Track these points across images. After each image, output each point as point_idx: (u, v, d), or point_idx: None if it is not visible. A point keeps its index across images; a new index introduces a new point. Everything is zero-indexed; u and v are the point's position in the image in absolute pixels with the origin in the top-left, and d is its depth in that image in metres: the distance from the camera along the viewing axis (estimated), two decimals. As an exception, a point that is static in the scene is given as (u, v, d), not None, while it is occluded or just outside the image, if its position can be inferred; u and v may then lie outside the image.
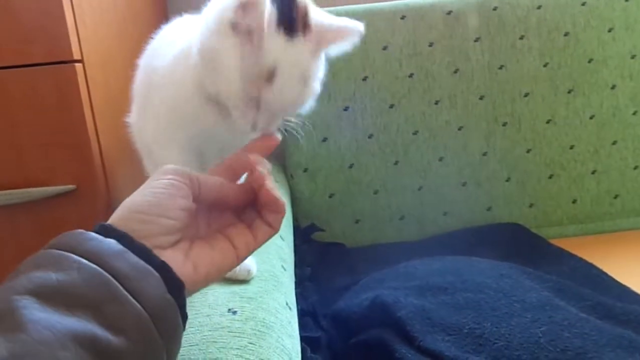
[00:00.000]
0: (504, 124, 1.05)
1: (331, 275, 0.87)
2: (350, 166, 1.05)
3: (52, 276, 0.31)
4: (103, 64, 0.75)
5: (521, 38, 1.04)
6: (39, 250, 0.34)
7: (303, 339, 0.58)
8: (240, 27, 0.43)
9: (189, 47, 0.48)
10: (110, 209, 0.70)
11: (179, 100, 0.50)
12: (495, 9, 1.03)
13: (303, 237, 0.92)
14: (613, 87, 1.05)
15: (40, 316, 0.29)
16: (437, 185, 1.06)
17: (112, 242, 0.34)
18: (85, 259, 0.32)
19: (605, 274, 0.78)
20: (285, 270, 0.63)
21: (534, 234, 1.00)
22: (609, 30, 1.04)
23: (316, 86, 0.48)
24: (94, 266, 0.32)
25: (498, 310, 0.57)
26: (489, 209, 1.07)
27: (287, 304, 0.54)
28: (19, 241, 0.70)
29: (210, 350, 0.41)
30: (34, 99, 0.68)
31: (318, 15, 0.46)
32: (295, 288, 0.71)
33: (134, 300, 0.32)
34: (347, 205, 1.05)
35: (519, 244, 0.94)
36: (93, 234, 0.34)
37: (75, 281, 0.31)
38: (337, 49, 0.48)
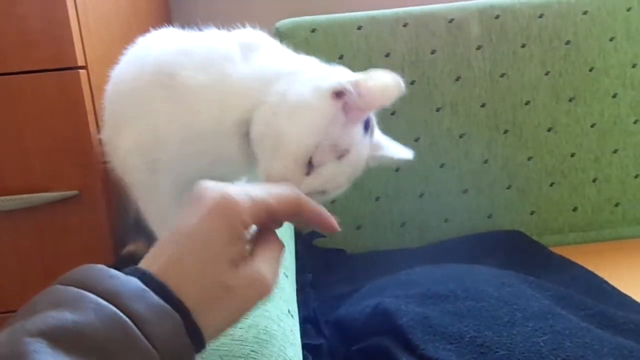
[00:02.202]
0: (505, 132, 1.05)
1: (332, 282, 0.87)
2: (352, 172, 1.05)
3: (67, 317, 0.29)
4: (107, 70, 0.75)
5: (523, 46, 1.04)
6: (56, 282, 0.32)
7: (305, 346, 0.58)
8: (345, 99, 0.45)
9: (229, 81, 0.48)
10: (113, 214, 0.71)
11: (198, 133, 0.48)
12: (497, 17, 1.04)
13: (304, 244, 0.92)
14: (614, 96, 1.06)
15: None
16: (438, 192, 1.06)
17: (132, 280, 0.32)
18: (103, 298, 0.30)
19: (606, 282, 0.78)
20: (287, 277, 0.63)
21: (535, 241, 1.01)
22: (611, 39, 1.05)
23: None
24: (112, 308, 0.30)
25: (499, 319, 0.58)
26: (489, 216, 1.07)
27: (289, 311, 0.54)
28: (21, 246, 0.70)
29: (212, 359, 0.41)
30: (38, 105, 0.68)
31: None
32: (297, 294, 0.71)
33: (150, 347, 0.30)
34: (349, 211, 1.05)
35: (520, 252, 0.94)
36: (113, 271, 0.32)
37: (91, 324, 0.29)
38: (380, 161, 0.53)
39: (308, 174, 0.45)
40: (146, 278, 0.32)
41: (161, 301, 0.32)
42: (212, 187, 0.36)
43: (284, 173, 0.44)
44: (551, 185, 1.07)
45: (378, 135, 0.53)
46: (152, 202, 0.54)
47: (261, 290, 0.36)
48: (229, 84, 0.48)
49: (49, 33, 0.66)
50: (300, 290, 0.74)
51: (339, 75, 0.48)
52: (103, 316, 0.30)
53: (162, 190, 0.52)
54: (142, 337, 0.30)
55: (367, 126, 0.49)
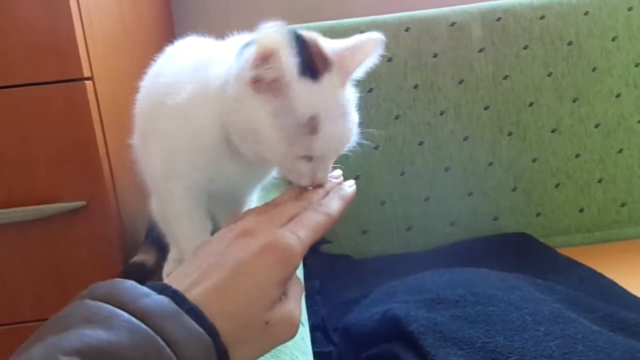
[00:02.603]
0: (509, 134, 1.05)
1: (340, 288, 0.87)
2: (357, 177, 1.05)
3: (101, 336, 0.29)
4: (112, 81, 0.76)
5: (525, 48, 1.04)
6: (84, 295, 0.32)
7: (315, 354, 0.58)
8: (263, 83, 0.41)
9: (207, 89, 0.46)
10: (121, 224, 0.71)
11: (199, 145, 0.48)
12: (498, 19, 1.04)
13: (310, 249, 0.92)
14: (618, 96, 1.06)
15: None
16: (444, 195, 1.06)
17: (165, 300, 0.32)
18: (136, 317, 0.31)
19: (615, 283, 0.78)
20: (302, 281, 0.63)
21: (542, 243, 1.00)
22: (613, 39, 1.05)
23: (355, 114, 0.46)
24: (145, 328, 0.30)
25: (510, 324, 0.57)
26: (495, 218, 1.07)
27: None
28: (31, 257, 0.71)
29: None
30: (46, 116, 0.68)
31: (332, 45, 0.44)
32: (306, 302, 0.71)
33: None
34: (354, 216, 1.05)
35: (526, 254, 0.94)
36: (145, 288, 0.33)
37: (124, 344, 0.29)
38: (365, 66, 0.46)
39: (311, 160, 0.44)
40: (178, 298, 0.33)
41: (195, 324, 0.32)
42: (263, 225, 0.38)
43: (300, 178, 0.45)
44: (556, 186, 1.07)
45: (338, 52, 0.45)
46: (169, 209, 0.55)
47: (291, 330, 0.38)
48: (202, 93, 0.48)
49: (55, 46, 0.66)
50: (308, 297, 0.75)
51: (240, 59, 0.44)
52: (136, 336, 0.30)
53: (178, 198, 0.52)
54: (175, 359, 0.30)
55: (313, 70, 0.42)
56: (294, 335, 0.39)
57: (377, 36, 0.44)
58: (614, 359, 0.52)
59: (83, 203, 0.70)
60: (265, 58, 0.40)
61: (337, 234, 1.05)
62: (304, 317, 0.59)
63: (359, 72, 0.46)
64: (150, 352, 0.30)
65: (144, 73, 0.56)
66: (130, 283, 0.33)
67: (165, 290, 0.33)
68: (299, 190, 0.46)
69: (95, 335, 0.29)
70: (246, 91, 0.42)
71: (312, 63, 0.42)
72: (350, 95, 0.46)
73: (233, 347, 0.33)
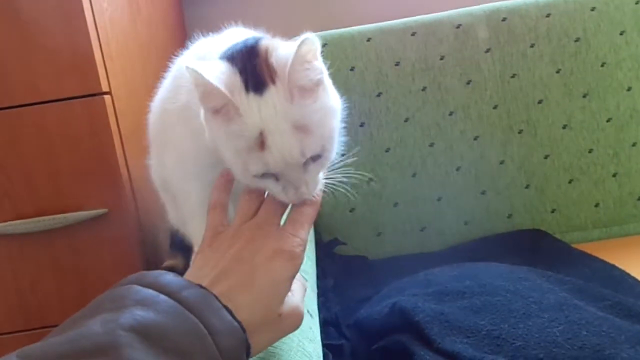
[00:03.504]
0: (520, 132, 1.06)
1: (353, 287, 0.89)
2: (369, 180, 1.07)
3: (153, 317, 0.34)
4: (129, 94, 0.80)
5: (532, 46, 1.05)
6: (130, 281, 0.37)
7: (326, 346, 0.60)
8: (218, 110, 0.42)
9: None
10: (141, 230, 0.75)
11: (202, 144, 0.49)
12: (504, 19, 1.05)
13: (325, 251, 0.94)
14: (629, 89, 1.05)
15: (141, 357, 0.31)
16: (456, 195, 1.07)
17: (204, 293, 0.37)
18: (183, 306, 0.35)
19: (628, 274, 0.78)
20: (306, 280, 0.65)
21: (556, 239, 1.00)
22: (621, 33, 1.05)
23: (328, 125, 0.44)
24: (192, 316, 0.35)
25: (515, 312, 0.58)
26: (509, 216, 1.07)
27: (308, 311, 0.57)
28: (57, 263, 0.75)
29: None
30: (68, 130, 0.73)
31: (280, 51, 0.43)
32: (318, 298, 0.73)
33: (219, 357, 0.35)
34: (368, 218, 1.07)
35: (541, 250, 0.94)
36: (187, 281, 0.37)
37: (172, 326, 0.34)
38: (312, 73, 0.43)
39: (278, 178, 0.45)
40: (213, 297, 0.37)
41: (231, 318, 0.37)
42: (275, 231, 0.43)
43: (284, 195, 0.45)
44: (570, 182, 1.07)
45: (281, 61, 0.42)
46: (187, 210, 0.58)
47: (298, 320, 0.44)
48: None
49: (76, 63, 0.71)
50: (322, 294, 0.77)
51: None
52: (183, 322, 0.34)
53: (194, 198, 0.55)
54: (215, 348, 0.34)
55: (257, 84, 0.41)
56: (299, 326, 0.44)
57: (308, 40, 0.40)
58: (619, 343, 0.53)
59: (105, 210, 0.74)
60: (206, 95, 0.42)
61: (352, 235, 1.07)
62: (314, 310, 0.61)
63: (307, 80, 0.43)
64: (194, 338, 0.34)
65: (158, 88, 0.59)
66: (173, 275, 0.38)
67: (196, 285, 0.38)
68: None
69: (147, 316, 0.33)
70: (208, 115, 0.44)
71: (259, 77, 0.42)
72: (313, 107, 0.43)
73: (251, 337, 0.38)
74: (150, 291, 0.35)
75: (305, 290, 0.48)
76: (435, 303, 0.63)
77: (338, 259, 0.97)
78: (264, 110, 0.41)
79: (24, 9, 0.68)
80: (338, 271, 0.90)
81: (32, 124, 0.72)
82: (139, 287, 0.36)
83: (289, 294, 0.43)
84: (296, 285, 0.46)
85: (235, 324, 0.36)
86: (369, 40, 1.06)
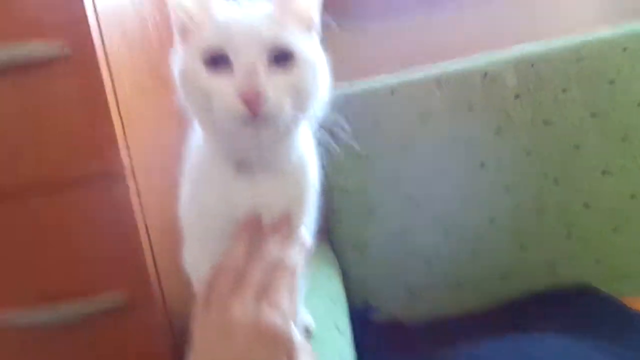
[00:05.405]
0: (556, 179, 1.01)
1: (392, 358, 0.83)
2: (400, 237, 1.03)
3: None
4: (151, 173, 0.78)
5: (564, 91, 1.01)
6: None
7: None
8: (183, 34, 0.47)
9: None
10: (168, 318, 0.71)
11: (201, 161, 0.53)
12: (532, 65, 1.01)
13: (359, 318, 0.89)
14: (670, 130, 1.00)
15: None
16: (492, 249, 1.02)
17: None
18: None
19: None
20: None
21: (605, 294, 0.94)
22: (657, 72, 1.00)
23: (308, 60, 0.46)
24: None
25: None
26: (551, 268, 1.01)
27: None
28: (79, 356, 0.71)
29: None
30: (88, 212, 0.70)
31: None
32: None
33: None
34: (400, 277, 1.02)
35: (590, 310, 0.88)
36: None
37: None
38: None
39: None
40: None
41: None
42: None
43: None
44: (614, 229, 1.01)
45: None
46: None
47: None
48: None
49: (95, 142, 0.68)
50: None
51: None
52: None
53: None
54: None
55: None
56: None
57: None
58: None
59: (128, 298, 0.70)
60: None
61: (384, 296, 1.02)
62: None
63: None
64: None
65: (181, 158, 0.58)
66: None
67: None
68: (246, 242, 0.48)
69: None
70: (179, 52, 0.47)
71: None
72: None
73: None
74: None
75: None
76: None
77: (372, 327, 0.92)
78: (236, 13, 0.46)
79: (39, 89, 0.66)
80: (374, 342, 0.85)
81: (52, 207, 0.70)
82: None
83: None
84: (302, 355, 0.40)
85: None
86: (392, 93, 1.03)
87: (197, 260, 0.57)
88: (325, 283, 0.90)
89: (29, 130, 0.67)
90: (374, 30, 1.19)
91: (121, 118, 0.70)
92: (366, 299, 1.00)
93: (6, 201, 0.69)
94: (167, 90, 0.94)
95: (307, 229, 0.54)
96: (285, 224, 0.51)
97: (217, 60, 0.45)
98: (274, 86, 0.43)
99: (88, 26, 0.63)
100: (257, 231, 0.50)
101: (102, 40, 0.69)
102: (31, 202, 0.69)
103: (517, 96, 1.02)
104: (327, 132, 0.53)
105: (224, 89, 0.43)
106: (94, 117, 0.67)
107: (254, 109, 0.42)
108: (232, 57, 0.44)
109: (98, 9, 0.68)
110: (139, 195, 0.72)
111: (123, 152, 0.70)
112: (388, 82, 1.04)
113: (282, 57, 0.45)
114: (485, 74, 1.01)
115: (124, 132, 0.70)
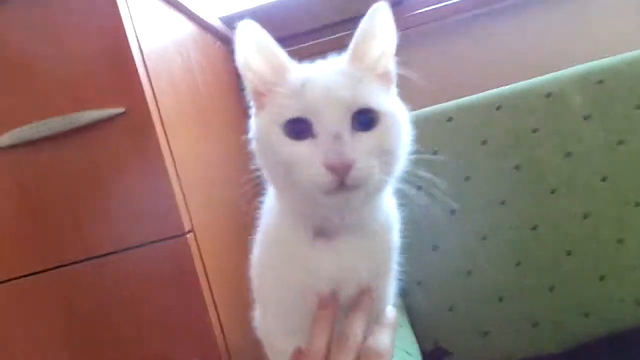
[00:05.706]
0: (638, 205, 0.93)
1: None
2: (467, 273, 0.96)
3: None
4: (213, 231, 0.75)
5: (637, 107, 0.93)
6: None
7: None
8: (259, 93, 0.45)
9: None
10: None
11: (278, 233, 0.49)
12: (600, 82, 0.94)
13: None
14: None
15: None
16: (570, 282, 0.94)
17: None
18: None
19: None
20: None
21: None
22: None
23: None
24: None
25: None
26: (636, 302, 0.93)
27: None
28: None
29: None
30: (152, 277, 0.67)
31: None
32: None
33: None
34: (471, 317, 0.95)
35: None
36: None
37: None
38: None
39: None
40: None
41: None
42: None
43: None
44: None
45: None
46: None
47: None
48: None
49: (156, 206, 0.65)
50: None
51: None
52: None
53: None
54: None
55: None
56: None
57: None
58: None
59: (196, 361, 0.67)
60: (258, 50, 0.44)
61: (457, 339, 0.95)
62: None
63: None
64: None
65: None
66: None
67: None
68: (329, 329, 0.45)
69: None
70: (255, 117, 0.45)
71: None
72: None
73: None
74: None
75: None
76: None
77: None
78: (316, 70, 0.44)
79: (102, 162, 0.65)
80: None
81: (116, 272, 0.67)
82: None
83: None
84: None
85: None
86: (450, 120, 0.97)
87: (271, 328, 0.53)
88: (398, 332, 0.84)
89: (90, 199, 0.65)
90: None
91: (180, 181, 0.67)
92: (437, 342, 0.94)
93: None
94: (217, 137, 0.92)
95: (392, 307, 0.50)
96: (368, 299, 0.47)
97: (298, 127, 0.42)
98: (360, 151, 0.41)
99: (142, 90, 0.62)
100: (337, 309, 0.47)
101: (155, 98, 0.66)
102: (94, 268, 0.67)
103: (587, 117, 0.94)
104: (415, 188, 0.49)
105: (309, 157, 0.41)
106: (154, 186, 0.65)
107: (342, 177, 0.40)
108: (314, 123, 0.41)
109: (148, 65, 0.66)
110: (200, 254, 0.68)
111: (183, 213, 0.66)
112: (444, 108, 0.98)
113: (365, 118, 0.42)
114: (549, 94, 0.95)
115: (183, 194, 0.67)
